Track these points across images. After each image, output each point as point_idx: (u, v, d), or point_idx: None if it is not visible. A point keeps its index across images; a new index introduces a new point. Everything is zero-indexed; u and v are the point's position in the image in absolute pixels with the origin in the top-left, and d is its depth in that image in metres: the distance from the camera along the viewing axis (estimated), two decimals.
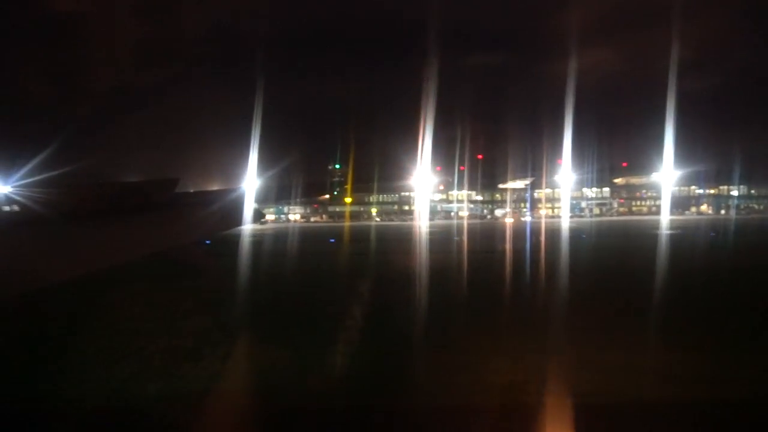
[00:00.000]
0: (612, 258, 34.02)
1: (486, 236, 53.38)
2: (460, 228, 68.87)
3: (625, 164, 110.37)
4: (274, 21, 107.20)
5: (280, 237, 60.14)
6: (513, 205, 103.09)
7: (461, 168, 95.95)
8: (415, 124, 70.56)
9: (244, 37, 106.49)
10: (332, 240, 54.92)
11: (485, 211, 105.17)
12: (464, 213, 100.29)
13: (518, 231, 60.25)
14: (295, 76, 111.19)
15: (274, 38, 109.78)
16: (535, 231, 60.16)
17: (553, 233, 56.12)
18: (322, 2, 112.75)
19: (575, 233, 54.69)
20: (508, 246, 43.53)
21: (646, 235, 52.23)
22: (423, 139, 67.36)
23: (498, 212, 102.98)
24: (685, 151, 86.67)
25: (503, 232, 59.75)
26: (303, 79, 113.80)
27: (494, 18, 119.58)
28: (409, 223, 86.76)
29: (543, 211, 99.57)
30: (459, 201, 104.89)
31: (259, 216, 11.34)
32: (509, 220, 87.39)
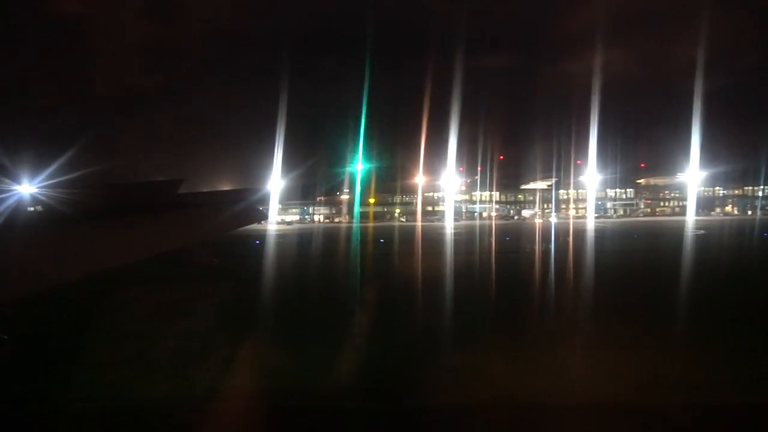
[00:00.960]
0: (682, 260, 33.00)
1: (530, 238, 52.35)
2: (496, 229, 67.83)
3: (642, 165, 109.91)
4: (295, 21, 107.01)
5: (303, 237, 59.31)
6: (541, 206, 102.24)
7: (485, 169, 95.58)
8: (439, 125, 70.01)
9: (264, 39, 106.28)
10: (357, 241, 54.08)
11: (512, 211, 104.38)
12: (493, 213, 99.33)
13: (562, 232, 59.26)
14: (316, 77, 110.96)
15: (296, 39, 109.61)
16: (581, 232, 59.09)
17: (602, 234, 55.26)
18: (346, 3, 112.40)
19: (624, 234, 53.80)
20: (565, 247, 42.57)
21: (699, 236, 51.23)
22: (447, 140, 66.94)
23: (525, 213, 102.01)
24: (708, 151, 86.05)
25: (546, 233, 58.63)
26: (325, 81, 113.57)
27: (517, 18, 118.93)
28: (437, 223, 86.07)
29: (571, 212, 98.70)
30: (484, 202, 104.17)
31: (262, 217, 11.24)
32: (539, 221, 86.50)
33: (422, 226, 78.91)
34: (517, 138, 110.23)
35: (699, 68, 57.59)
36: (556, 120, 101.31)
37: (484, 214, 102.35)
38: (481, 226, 72.66)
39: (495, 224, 78.16)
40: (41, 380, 10.13)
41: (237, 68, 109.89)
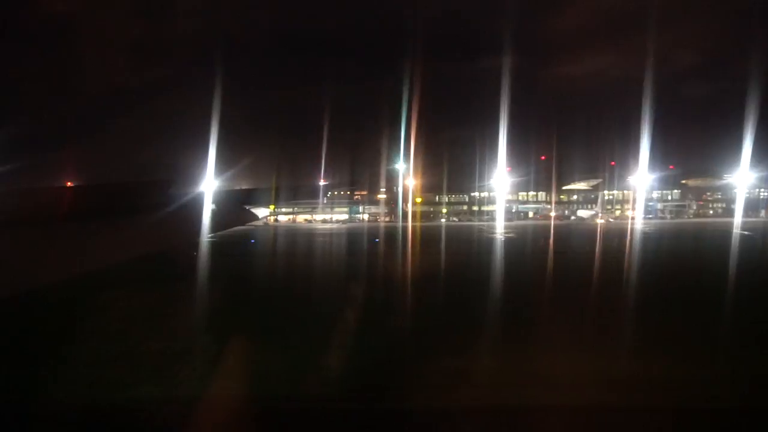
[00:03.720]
0: None
1: (626, 240, 50.12)
2: (576, 231, 65.35)
3: (671, 167, 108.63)
4: (338, 20, 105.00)
5: (386, 236, 56.82)
6: (602, 206, 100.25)
7: (534, 168, 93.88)
8: (488, 123, 67.99)
9: (310, 36, 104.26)
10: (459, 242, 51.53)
11: (566, 211, 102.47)
12: (552, 213, 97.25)
13: (653, 235, 57.11)
14: (358, 72, 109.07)
15: (340, 37, 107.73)
16: (676, 234, 56.72)
17: (701, 236, 53.21)
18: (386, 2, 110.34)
19: (730, 235, 51.69)
20: (695, 251, 40.47)
21: None
22: (496, 139, 64.97)
23: (582, 213, 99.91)
24: (757, 152, 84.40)
25: (642, 236, 56.47)
26: (366, 76, 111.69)
27: (559, 18, 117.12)
28: (493, 223, 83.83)
29: (628, 212, 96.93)
30: (531, 201, 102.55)
31: (253, 217, 11.43)
32: (600, 222, 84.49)
33: (483, 226, 76.72)
34: (567, 137, 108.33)
35: (750, 67, 55.95)
36: (606, 119, 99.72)
37: (531, 214, 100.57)
38: (548, 228, 70.47)
39: (564, 226, 76.08)
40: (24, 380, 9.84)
41: (279, 65, 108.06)
